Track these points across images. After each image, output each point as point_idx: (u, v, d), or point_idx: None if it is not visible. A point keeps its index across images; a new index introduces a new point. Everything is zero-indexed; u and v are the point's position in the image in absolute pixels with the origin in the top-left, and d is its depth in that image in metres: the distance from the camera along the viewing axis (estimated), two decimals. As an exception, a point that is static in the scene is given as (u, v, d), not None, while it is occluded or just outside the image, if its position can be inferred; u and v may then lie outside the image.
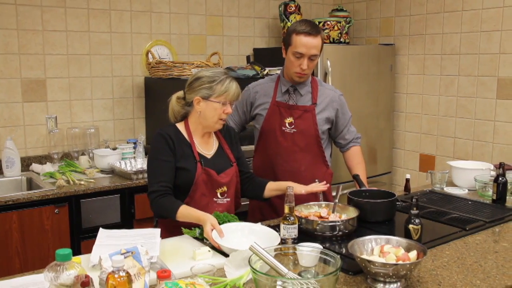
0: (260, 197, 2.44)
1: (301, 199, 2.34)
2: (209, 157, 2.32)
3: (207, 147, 2.34)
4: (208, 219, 2.03)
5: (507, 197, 2.58)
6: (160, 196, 2.17)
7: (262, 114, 2.66)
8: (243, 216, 2.49)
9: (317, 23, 4.20)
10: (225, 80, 2.23)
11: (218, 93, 2.21)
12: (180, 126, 2.33)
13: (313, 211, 2.26)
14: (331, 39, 4.20)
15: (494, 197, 2.56)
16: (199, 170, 2.24)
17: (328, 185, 2.37)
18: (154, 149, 2.27)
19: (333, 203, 2.27)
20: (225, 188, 2.30)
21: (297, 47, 2.46)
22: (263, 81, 2.76)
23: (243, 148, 2.56)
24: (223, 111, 2.23)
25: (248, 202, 2.75)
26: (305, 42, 2.45)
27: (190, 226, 2.15)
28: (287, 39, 2.53)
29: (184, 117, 2.36)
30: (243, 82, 2.58)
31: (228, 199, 2.33)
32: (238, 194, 2.42)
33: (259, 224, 2.19)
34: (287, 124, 2.60)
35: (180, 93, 2.36)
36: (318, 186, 2.33)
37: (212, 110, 2.23)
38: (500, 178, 2.53)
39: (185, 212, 2.13)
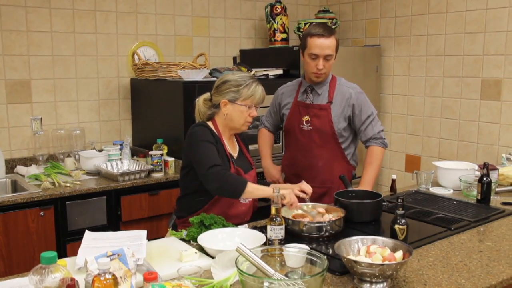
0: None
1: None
2: (235, 158, 2.39)
3: (232, 149, 2.41)
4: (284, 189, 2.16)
5: (492, 197, 2.61)
6: (225, 170, 2.20)
7: (286, 114, 2.85)
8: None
9: (304, 24, 4.25)
10: (251, 84, 2.32)
11: (244, 97, 2.30)
12: (211, 125, 2.37)
13: (300, 212, 2.26)
14: (318, 40, 4.21)
15: (479, 197, 2.59)
16: (231, 169, 2.30)
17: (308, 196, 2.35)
18: (200, 135, 2.28)
19: (321, 204, 2.30)
20: None
21: (311, 49, 2.62)
22: (290, 83, 2.92)
23: (250, 147, 2.64)
24: (249, 114, 2.32)
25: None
26: (319, 44, 2.60)
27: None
28: (303, 43, 2.69)
29: (210, 118, 2.41)
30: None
31: (250, 200, 2.40)
32: None
33: (241, 227, 2.19)
34: (304, 122, 2.76)
35: (206, 95, 2.43)
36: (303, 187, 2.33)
37: (238, 113, 2.31)
38: (485, 178, 2.56)
39: (251, 188, 2.16)
